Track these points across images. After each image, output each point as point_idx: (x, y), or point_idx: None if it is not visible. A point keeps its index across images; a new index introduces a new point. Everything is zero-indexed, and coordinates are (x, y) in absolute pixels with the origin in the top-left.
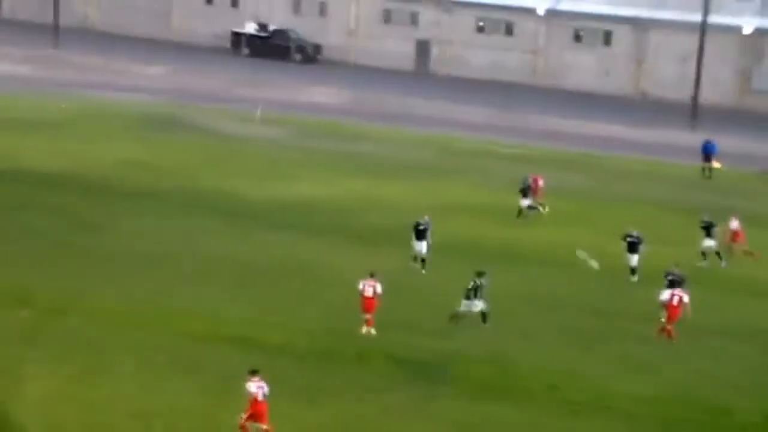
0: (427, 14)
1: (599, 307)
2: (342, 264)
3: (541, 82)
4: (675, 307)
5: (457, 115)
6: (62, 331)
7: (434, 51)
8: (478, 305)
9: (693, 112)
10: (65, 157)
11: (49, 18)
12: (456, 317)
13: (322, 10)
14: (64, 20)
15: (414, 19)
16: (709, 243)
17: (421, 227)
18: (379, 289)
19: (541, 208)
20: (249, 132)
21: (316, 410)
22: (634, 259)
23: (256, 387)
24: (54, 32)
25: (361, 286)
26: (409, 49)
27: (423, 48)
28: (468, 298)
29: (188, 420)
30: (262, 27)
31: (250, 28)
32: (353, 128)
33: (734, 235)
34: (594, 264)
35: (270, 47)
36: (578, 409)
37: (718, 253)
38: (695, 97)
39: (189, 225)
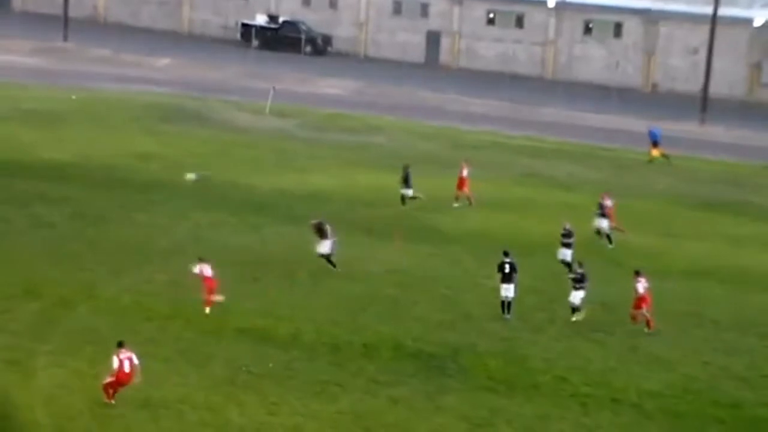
0: (437, 6)
1: (608, 299)
2: (353, 256)
3: (551, 75)
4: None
5: (467, 107)
6: (72, 323)
7: (445, 43)
8: (510, 291)
9: (703, 104)
10: (75, 149)
11: (59, 10)
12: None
13: (333, 2)
14: (74, 12)
15: (424, 11)
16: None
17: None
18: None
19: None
20: (259, 124)
21: (326, 402)
22: (567, 254)
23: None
24: (64, 24)
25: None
26: (419, 41)
27: (433, 40)
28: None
29: (196, 412)
30: (273, 19)
31: (261, 19)
32: (363, 120)
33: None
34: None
35: (280, 39)
36: (587, 402)
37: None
38: (705, 90)
39: (199, 217)
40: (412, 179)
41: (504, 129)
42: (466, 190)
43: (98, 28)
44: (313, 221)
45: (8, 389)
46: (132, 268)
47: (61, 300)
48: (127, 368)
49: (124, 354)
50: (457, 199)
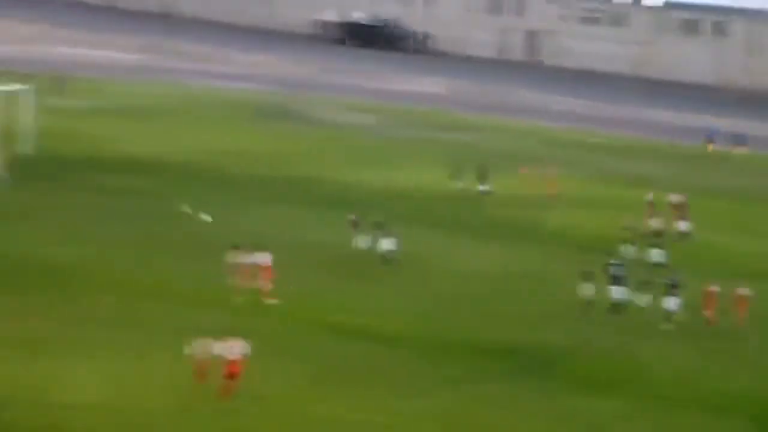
0: (536, 5)
1: (695, 301)
2: (444, 254)
3: (651, 74)
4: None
5: (561, 106)
6: (159, 315)
7: (542, 42)
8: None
9: None
10: (171, 144)
11: (160, 8)
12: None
13: (431, 1)
14: (173, 9)
15: (523, 10)
16: None
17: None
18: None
19: None
20: (353, 121)
21: (412, 399)
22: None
23: None
24: (165, 22)
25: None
26: (517, 40)
27: (531, 39)
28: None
29: (297, 405)
30: (372, 17)
31: (358, 17)
32: (457, 118)
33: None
34: (206, 217)
35: (379, 37)
36: (670, 405)
37: None
38: None
39: (292, 213)
40: (489, 175)
41: (598, 127)
42: (552, 189)
43: (196, 25)
44: (350, 216)
45: None
46: (218, 261)
47: (146, 292)
48: (233, 356)
49: (229, 343)
50: (544, 197)
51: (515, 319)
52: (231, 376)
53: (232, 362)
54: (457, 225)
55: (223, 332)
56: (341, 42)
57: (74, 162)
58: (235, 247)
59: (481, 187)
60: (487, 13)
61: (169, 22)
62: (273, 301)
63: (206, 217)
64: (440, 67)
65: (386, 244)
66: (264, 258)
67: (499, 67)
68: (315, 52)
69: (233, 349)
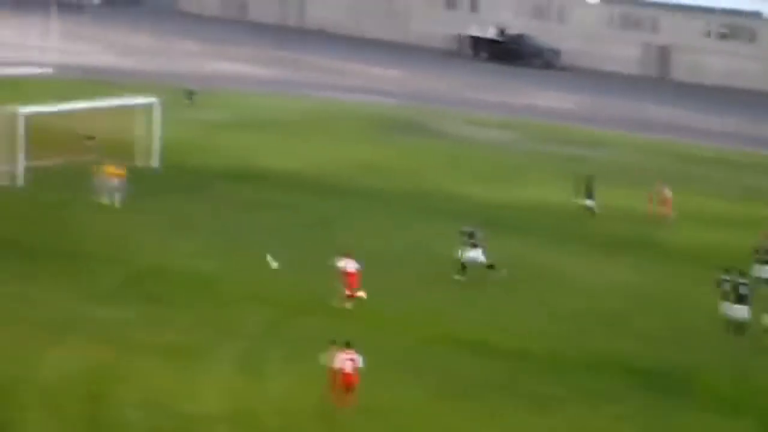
0: (666, 20)
1: None
2: (576, 270)
3: None
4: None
5: (693, 123)
6: (300, 329)
7: (673, 57)
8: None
9: None
10: (301, 157)
11: (290, 21)
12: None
13: (562, 16)
14: (306, 23)
15: (653, 25)
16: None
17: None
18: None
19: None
20: (482, 135)
21: (546, 416)
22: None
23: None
24: (295, 35)
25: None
26: (647, 55)
27: (662, 54)
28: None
29: (415, 420)
30: (501, 32)
31: (490, 32)
32: (587, 134)
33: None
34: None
35: (508, 52)
36: None
37: None
38: None
39: (421, 227)
40: (595, 190)
41: (731, 144)
42: (665, 207)
43: (328, 38)
44: (465, 228)
45: None
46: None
47: (289, 306)
48: (348, 369)
49: (348, 355)
50: (662, 216)
51: (654, 337)
52: (347, 388)
53: (348, 374)
54: (578, 240)
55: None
56: (472, 57)
57: (208, 175)
58: (346, 255)
59: (587, 202)
60: (620, 29)
61: (300, 35)
62: (348, 306)
63: (273, 264)
64: (570, 81)
65: (473, 254)
66: (351, 265)
67: (630, 82)
68: (445, 66)
69: (349, 362)
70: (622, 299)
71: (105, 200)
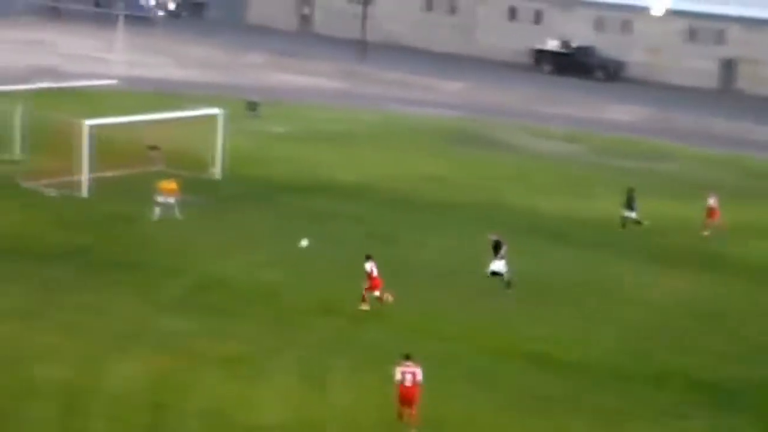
0: (734, 32)
1: None
2: (642, 284)
3: None
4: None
5: (759, 136)
6: (364, 340)
7: (740, 70)
8: None
9: None
10: (365, 169)
11: (356, 34)
12: None
13: (626, 28)
14: (371, 36)
15: (720, 38)
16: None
17: None
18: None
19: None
20: (548, 148)
21: (616, 430)
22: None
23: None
24: (361, 47)
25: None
26: (713, 68)
27: (729, 67)
28: None
29: None
30: (565, 44)
31: (553, 44)
32: (653, 147)
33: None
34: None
35: (572, 64)
36: None
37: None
38: None
39: (485, 239)
40: (636, 203)
41: None
42: (716, 219)
43: (394, 51)
44: (492, 236)
45: None
46: (421, 287)
47: (353, 317)
48: (408, 382)
49: (409, 368)
50: (706, 227)
51: (722, 353)
52: (407, 402)
53: (408, 388)
54: (642, 254)
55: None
56: (536, 70)
57: (272, 186)
58: (369, 257)
59: (626, 214)
60: (685, 41)
61: (366, 48)
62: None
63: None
64: (634, 94)
65: (497, 266)
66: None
67: (695, 94)
68: (510, 78)
69: (408, 375)
70: (686, 313)
71: (156, 216)
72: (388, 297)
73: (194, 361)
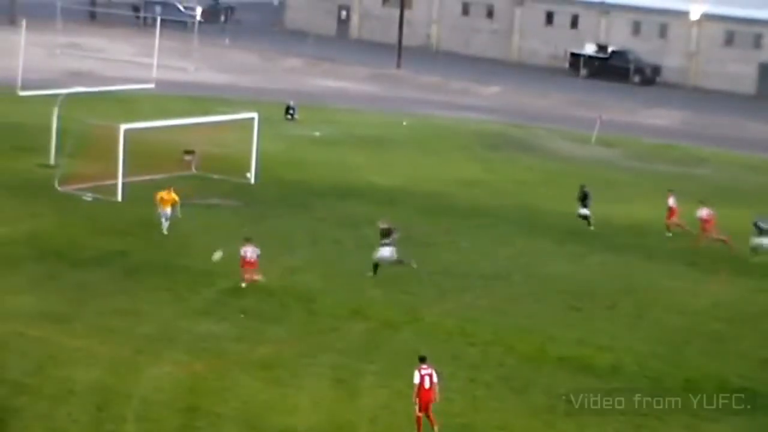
0: None
1: None
2: (677, 288)
3: None
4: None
5: None
6: (396, 345)
7: None
8: None
9: None
10: (402, 173)
11: (393, 38)
12: None
13: (663, 32)
14: (408, 40)
15: (758, 42)
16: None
17: None
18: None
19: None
20: (584, 153)
21: None
22: None
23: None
24: (398, 52)
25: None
26: (751, 72)
27: (766, 71)
28: None
29: None
30: (601, 48)
31: (589, 49)
32: (689, 151)
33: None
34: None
35: (608, 68)
36: None
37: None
38: None
39: (523, 244)
40: (591, 200)
41: None
42: (675, 219)
43: (430, 55)
44: (383, 224)
45: None
46: (455, 292)
47: (386, 321)
48: (427, 384)
49: (425, 370)
50: (668, 229)
51: (758, 358)
52: (427, 405)
53: (426, 391)
54: (677, 258)
55: (460, 364)
56: (573, 74)
57: (308, 190)
58: (248, 239)
59: (580, 211)
60: (722, 45)
61: (402, 52)
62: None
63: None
64: (671, 98)
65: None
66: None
67: (732, 99)
68: (546, 82)
69: (426, 377)
70: (721, 318)
71: (165, 230)
72: (254, 277)
73: (228, 365)
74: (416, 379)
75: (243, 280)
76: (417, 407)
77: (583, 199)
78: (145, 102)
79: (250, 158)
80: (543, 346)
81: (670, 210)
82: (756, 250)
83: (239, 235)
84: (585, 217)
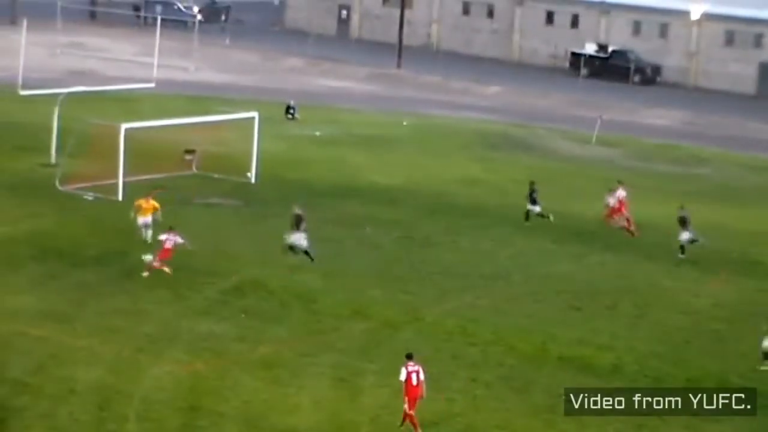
0: None
1: None
2: (680, 288)
3: None
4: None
5: None
6: (397, 345)
7: None
8: None
9: None
10: (403, 173)
11: (394, 38)
12: None
13: (663, 32)
14: (408, 40)
15: (758, 42)
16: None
17: None
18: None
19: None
20: (585, 153)
21: None
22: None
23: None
24: (398, 51)
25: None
26: (751, 72)
27: (766, 71)
28: None
29: None
30: (602, 48)
31: (590, 48)
32: (690, 151)
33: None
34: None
35: (609, 68)
36: None
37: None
38: None
39: (523, 244)
40: (538, 196)
41: None
42: (624, 212)
43: (431, 55)
44: (296, 211)
45: None
46: (456, 292)
47: (386, 321)
48: (414, 381)
49: (412, 367)
50: (615, 220)
51: (744, 356)
52: (414, 402)
53: (414, 387)
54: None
55: (461, 364)
56: (573, 73)
57: (309, 189)
58: (170, 228)
59: (529, 207)
60: (722, 45)
61: (403, 52)
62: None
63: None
64: (671, 98)
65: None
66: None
67: (733, 99)
68: (547, 82)
69: (414, 374)
70: (721, 318)
71: (148, 238)
72: (163, 267)
73: (228, 365)
74: (402, 376)
75: (148, 269)
76: (406, 405)
77: (532, 196)
78: (146, 101)
79: (250, 158)
80: (543, 346)
81: (620, 203)
82: (683, 247)
83: (239, 234)
84: (538, 215)
